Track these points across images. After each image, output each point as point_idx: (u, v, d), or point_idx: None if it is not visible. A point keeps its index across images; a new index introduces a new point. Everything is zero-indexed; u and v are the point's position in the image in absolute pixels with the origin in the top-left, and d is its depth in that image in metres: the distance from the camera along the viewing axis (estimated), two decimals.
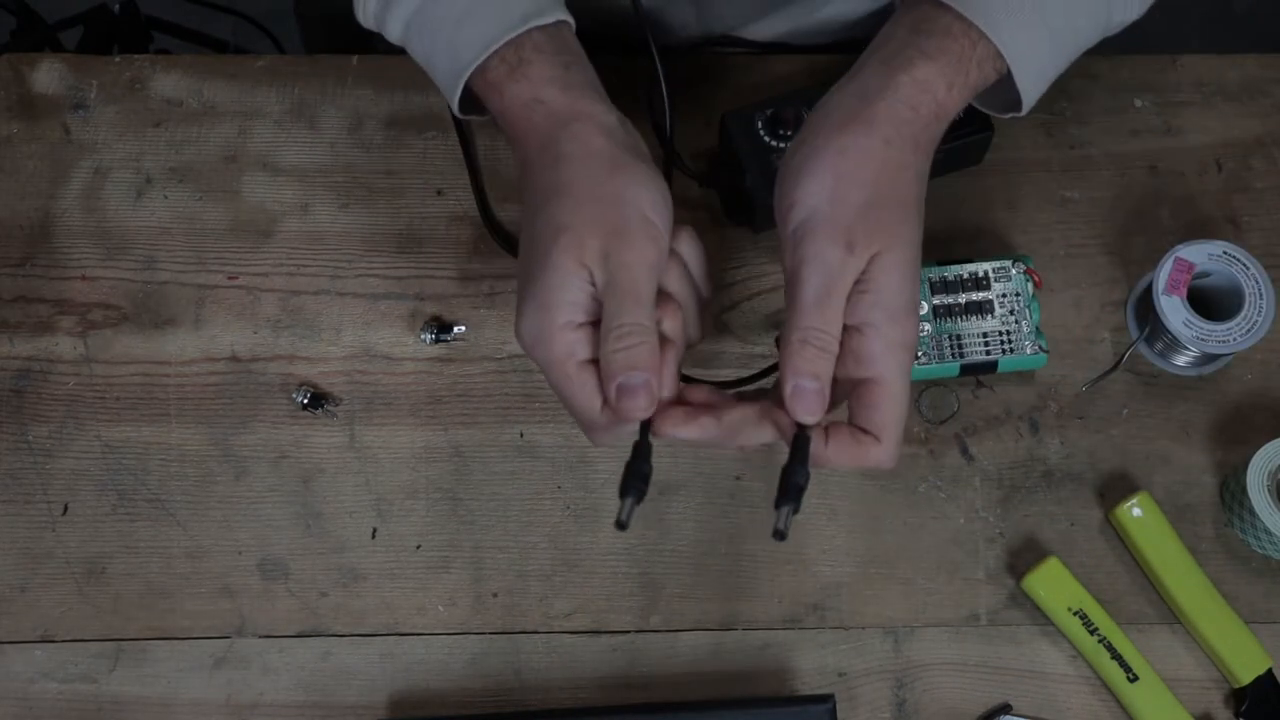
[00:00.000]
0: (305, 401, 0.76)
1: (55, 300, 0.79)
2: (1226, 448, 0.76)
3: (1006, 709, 0.71)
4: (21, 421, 0.77)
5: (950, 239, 0.80)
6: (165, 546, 0.74)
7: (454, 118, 0.79)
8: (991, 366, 0.75)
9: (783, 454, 0.58)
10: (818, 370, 0.57)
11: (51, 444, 0.76)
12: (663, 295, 0.60)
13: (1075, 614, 0.71)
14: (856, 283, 0.58)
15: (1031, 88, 0.65)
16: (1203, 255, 0.74)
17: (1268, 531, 0.71)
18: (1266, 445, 0.72)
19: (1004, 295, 0.75)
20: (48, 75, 0.85)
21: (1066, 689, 0.72)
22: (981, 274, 0.76)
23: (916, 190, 0.61)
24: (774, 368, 0.76)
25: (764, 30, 0.87)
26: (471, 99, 0.66)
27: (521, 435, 0.76)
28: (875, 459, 0.58)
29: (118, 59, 0.85)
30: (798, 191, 0.59)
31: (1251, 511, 0.71)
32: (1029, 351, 0.75)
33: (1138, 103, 0.84)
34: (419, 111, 0.83)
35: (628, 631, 0.73)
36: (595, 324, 0.58)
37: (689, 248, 0.62)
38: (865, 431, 0.58)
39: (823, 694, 0.70)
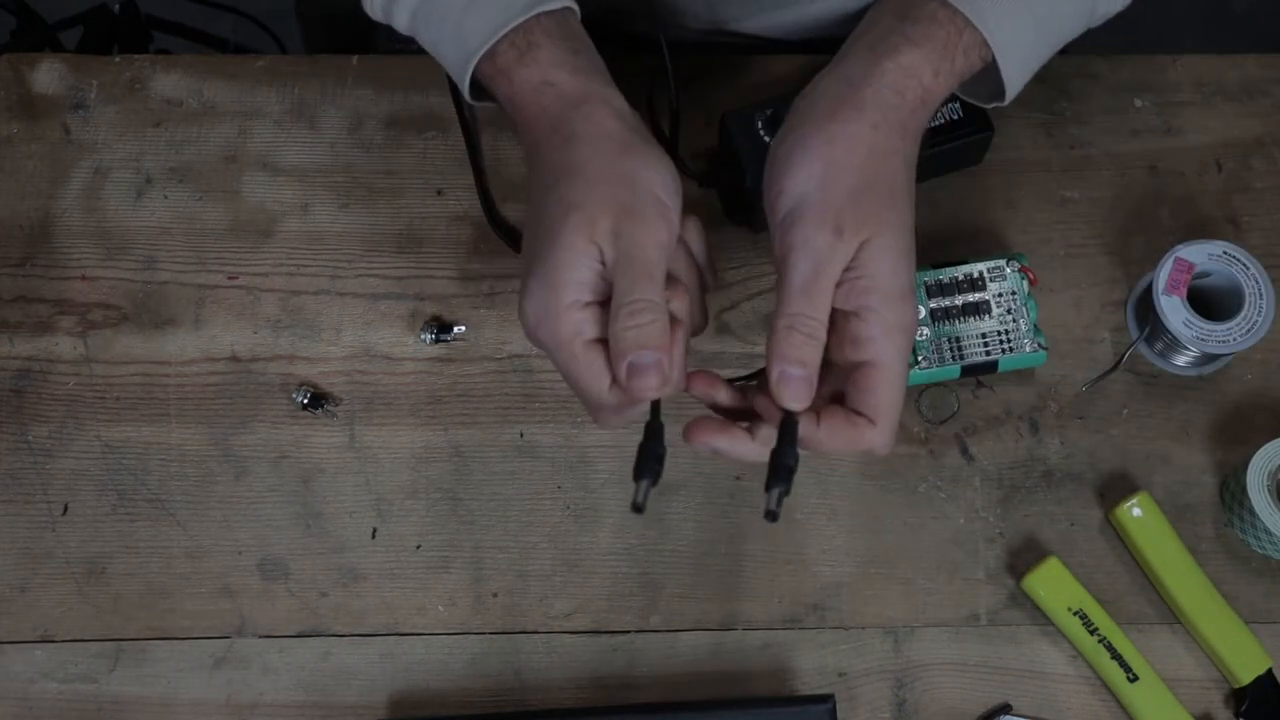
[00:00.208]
0: (305, 401, 0.76)
1: (55, 300, 0.79)
2: (1226, 448, 0.76)
3: (1006, 709, 0.71)
4: (21, 421, 0.77)
5: (950, 239, 0.80)
6: (165, 546, 0.74)
7: (459, 116, 0.79)
8: (992, 366, 0.75)
9: None
10: (804, 357, 0.57)
11: (51, 444, 0.76)
12: (670, 279, 0.59)
13: (1075, 614, 0.71)
14: (850, 269, 0.58)
15: (1016, 76, 0.65)
16: (1203, 255, 0.74)
17: (1268, 531, 0.71)
18: (1266, 445, 0.72)
19: (1000, 295, 0.75)
20: (48, 75, 0.85)
21: (1066, 689, 0.72)
22: (977, 275, 0.76)
23: (905, 175, 0.61)
24: None
25: (770, 24, 0.87)
26: (481, 87, 0.66)
27: (521, 435, 0.76)
28: (869, 442, 0.58)
29: (118, 59, 0.85)
30: (786, 179, 0.59)
31: (1251, 511, 0.71)
32: (1028, 350, 0.75)
33: (1138, 103, 0.84)
34: (419, 111, 0.83)
35: (628, 631, 0.73)
36: (602, 304, 0.58)
37: (695, 236, 0.62)
38: (860, 414, 0.58)
39: (823, 694, 0.70)
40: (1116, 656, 0.70)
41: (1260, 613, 0.73)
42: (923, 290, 0.75)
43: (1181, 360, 0.77)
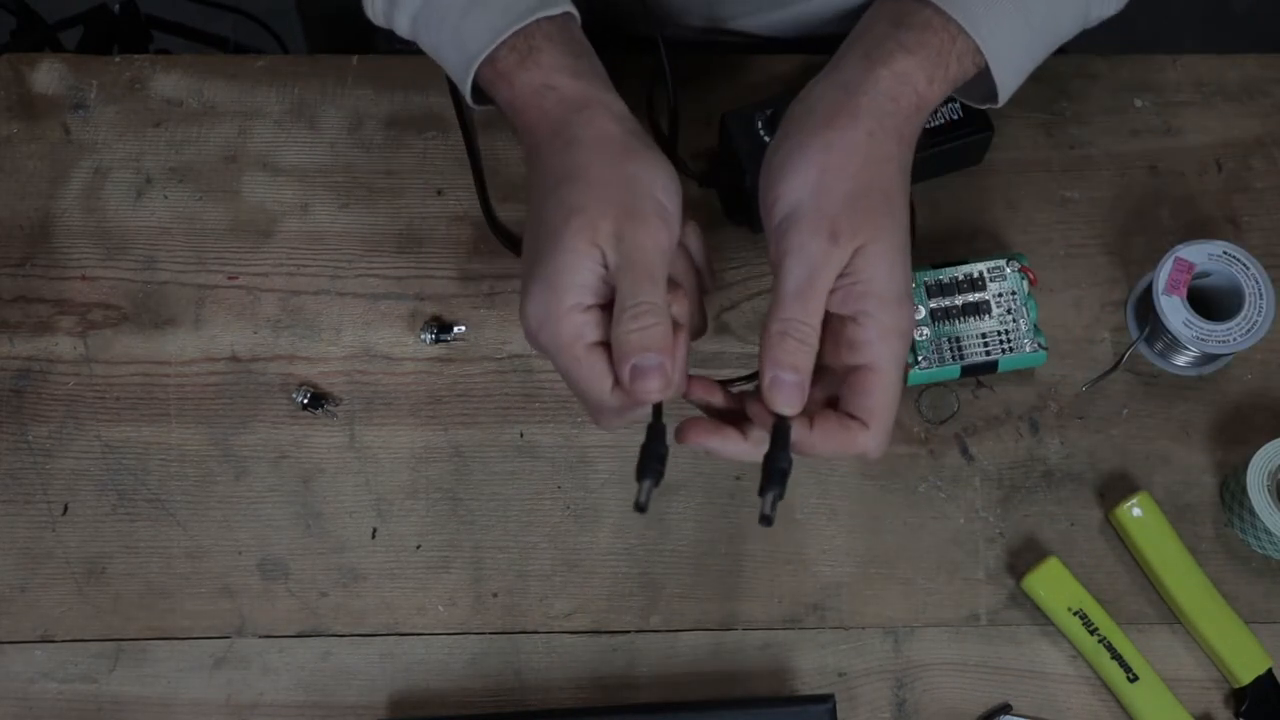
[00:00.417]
0: (305, 401, 0.76)
1: (55, 300, 0.79)
2: (1226, 448, 0.76)
3: (1006, 709, 0.71)
4: (21, 421, 0.77)
5: (950, 239, 0.80)
6: (165, 546, 0.74)
7: (459, 117, 0.80)
8: (992, 367, 0.75)
9: None
10: (797, 362, 0.57)
11: (51, 444, 0.76)
12: (670, 283, 0.60)
13: (1075, 614, 0.71)
14: (846, 275, 0.58)
15: (1009, 82, 0.65)
16: (1203, 255, 0.74)
17: (1268, 531, 0.71)
18: (1266, 445, 0.72)
19: (1000, 295, 0.75)
20: (48, 75, 0.85)
21: (1066, 689, 0.72)
22: (977, 275, 0.76)
23: (901, 182, 0.61)
24: None
25: (767, 22, 0.87)
26: (482, 91, 0.66)
27: (521, 435, 0.76)
28: (863, 445, 0.58)
29: (118, 59, 0.85)
30: (782, 185, 0.59)
31: (1251, 511, 0.71)
32: (1028, 350, 0.75)
33: (1138, 103, 0.84)
34: (419, 111, 0.83)
35: (628, 631, 0.73)
36: (603, 307, 0.58)
37: (694, 239, 0.62)
38: (854, 417, 0.58)
39: (823, 694, 0.70)
40: (1116, 656, 0.70)
41: (1260, 613, 0.73)
42: (923, 290, 0.75)
43: (1181, 360, 0.77)
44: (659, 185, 0.59)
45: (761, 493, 0.56)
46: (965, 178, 0.81)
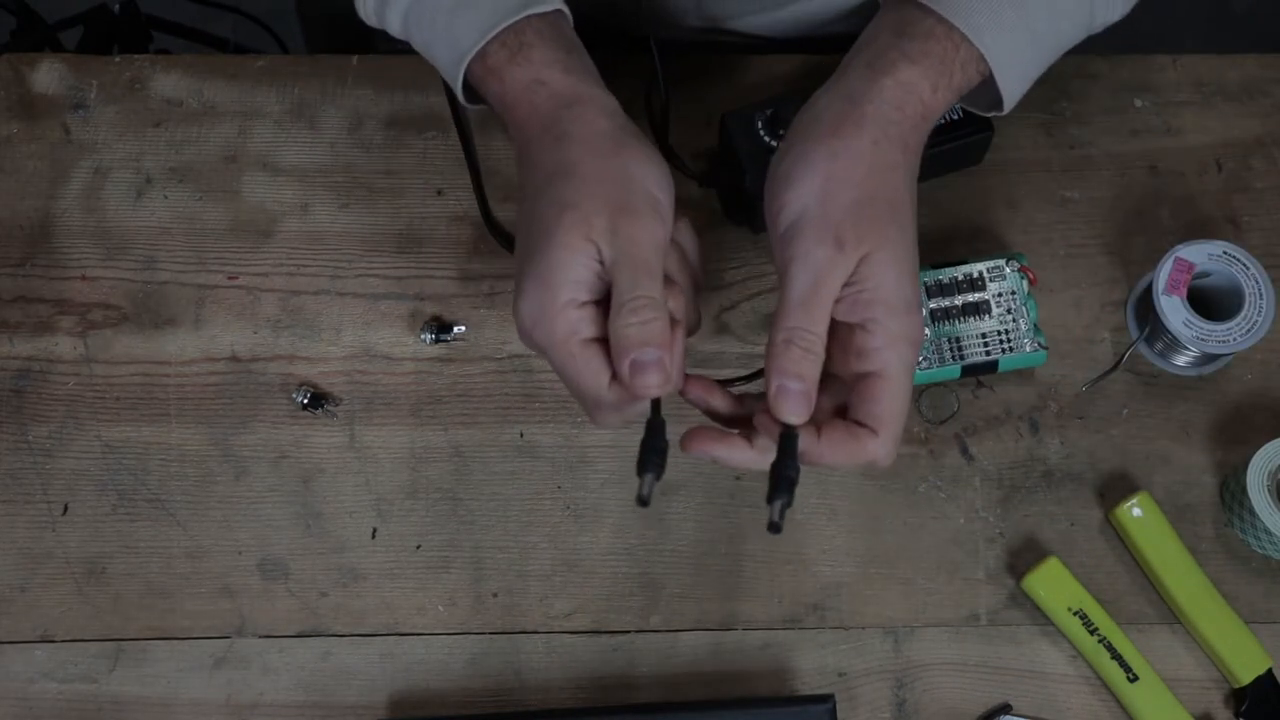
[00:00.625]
0: (305, 401, 0.76)
1: (55, 300, 0.79)
2: (1226, 448, 0.76)
3: (1006, 709, 0.71)
4: (21, 421, 0.77)
5: (950, 239, 0.80)
6: (165, 546, 0.74)
7: (454, 117, 0.80)
8: (992, 366, 0.75)
9: None
10: (802, 371, 0.56)
11: (51, 444, 0.76)
12: (665, 279, 0.59)
13: (1075, 614, 0.71)
14: (852, 283, 0.57)
15: (1014, 89, 0.65)
16: (1203, 255, 0.74)
17: (1268, 531, 0.71)
18: (1266, 445, 0.72)
19: (1000, 294, 0.75)
20: (48, 75, 0.85)
21: (1066, 689, 0.72)
22: (976, 275, 0.76)
23: (907, 190, 0.61)
24: None
25: (764, 22, 0.87)
26: (474, 90, 0.66)
27: (521, 435, 0.76)
28: (871, 453, 0.58)
29: (118, 59, 0.85)
30: (788, 193, 0.59)
31: (1251, 511, 0.71)
32: (1028, 349, 0.75)
33: (1138, 103, 0.84)
34: (419, 111, 0.83)
35: (628, 631, 0.73)
36: (598, 303, 0.58)
37: (686, 235, 0.62)
38: (862, 425, 0.58)
39: (823, 694, 0.70)
40: (1116, 656, 0.70)
41: (1260, 613, 0.73)
42: (922, 291, 0.75)
43: (1181, 360, 0.77)
44: (652, 179, 0.59)
45: (769, 501, 0.56)
46: (965, 178, 0.81)
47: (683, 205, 0.62)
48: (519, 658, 0.73)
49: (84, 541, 0.74)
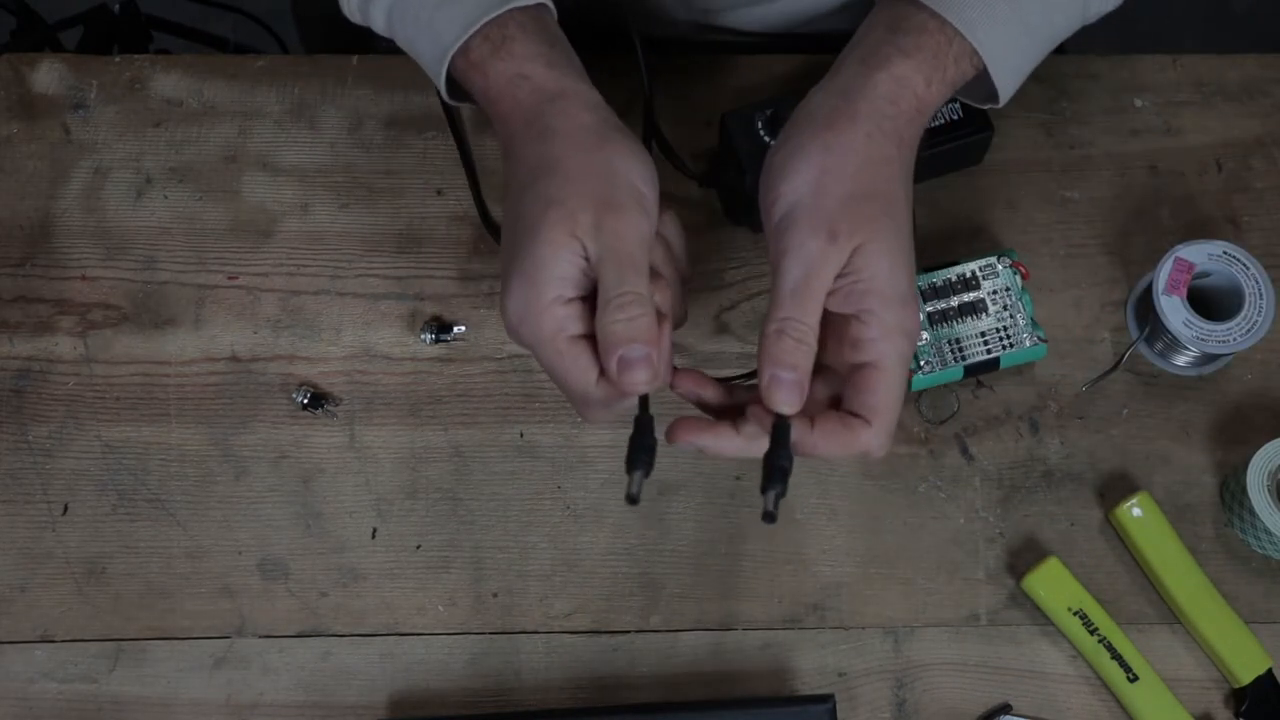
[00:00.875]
0: (305, 401, 0.76)
1: (55, 300, 0.79)
2: (1226, 448, 0.76)
3: (1006, 709, 0.71)
4: (21, 421, 0.77)
5: (950, 239, 0.80)
6: (165, 546, 0.74)
7: (447, 115, 0.79)
8: (994, 364, 0.75)
9: None
10: (795, 361, 0.57)
11: (51, 444, 0.76)
12: (651, 273, 0.59)
13: (1075, 614, 0.71)
14: (846, 274, 0.57)
15: (1008, 83, 0.65)
16: (1203, 255, 0.74)
17: (1268, 531, 0.71)
18: (1266, 445, 0.72)
19: (995, 292, 0.75)
20: (48, 75, 0.85)
21: (1066, 689, 0.72)
22: (969, 274, 0.76)
23: (901, 184, 0.61)
24: None
25: (755, 18, 0.87)
26: (459, 87, 0.66)
27: (521, 435, 0.76)
28: (865, 443, 0.57)
29: (118, 59, 0.85)
30: (782, 185, 0.59)
31: (1251, 511, 0.71)
32: (1028, 344, 0.75)
33: (1138, 103, 0.84)
34: (419, 111, 0.83)
35: (628, 631, 0.73)
36: (585, 299, 0.58)
37: (671, 229, 0.62)
38: (856, 415, 0.58)
39: (823, 694, 0.70)
40: (1116, 656, 0.70)
41: (1260, 613, 0.73)
42: (918, 294, 0.75)
43: (1181, 360, 0.77)
44: (636, 174, 0.59)
45: (763, 491, 0.56)
46: (965, 178, 0.81)
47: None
48: (519, 658, 0.73)
49: (84, 541, 0.74)
